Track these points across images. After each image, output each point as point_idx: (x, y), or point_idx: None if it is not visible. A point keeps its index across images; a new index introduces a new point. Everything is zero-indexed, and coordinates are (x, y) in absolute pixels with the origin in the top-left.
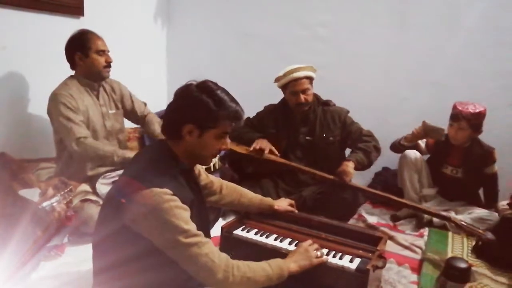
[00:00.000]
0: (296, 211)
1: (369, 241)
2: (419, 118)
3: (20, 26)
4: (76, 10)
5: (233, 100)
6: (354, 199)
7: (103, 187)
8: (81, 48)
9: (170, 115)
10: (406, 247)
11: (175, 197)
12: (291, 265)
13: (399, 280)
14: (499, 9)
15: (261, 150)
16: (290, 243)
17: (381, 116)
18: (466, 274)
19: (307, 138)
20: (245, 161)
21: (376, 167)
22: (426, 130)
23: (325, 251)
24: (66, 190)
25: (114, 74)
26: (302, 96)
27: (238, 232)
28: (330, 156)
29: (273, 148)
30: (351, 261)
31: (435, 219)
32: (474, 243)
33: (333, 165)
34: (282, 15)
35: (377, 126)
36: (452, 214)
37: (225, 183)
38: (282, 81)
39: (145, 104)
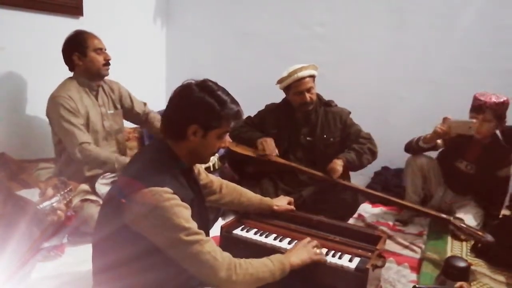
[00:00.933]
0: (294, 208)
1: (369, 240)
2: (417, 117)
3: (19, 26)
4: (75, 10)
5: (233, 100)
6: (353, 200)
7: (103, 187)
8: (78, 48)
9: (172, 115)
10: (405, 246)
11: (175, 196)
12: (292, 258)
13: (398, 279)
14: (496, 7)
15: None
16: (289, 243)
17: (379, 115)
18: (465, 273)
19: (308, 138)
20: (245, 161)
21: (376, 166)
22: (452, 127)
23: (324, 250)
24: (66, 190)
25: (114, 73)
26: (307, 95)
27: (238, 231)
28: (330, 157)
29: (276, 150)
30: (350, 260)
31: None
32: (473, 242)
33: None
34: (281, 15)
35: (375, 125)
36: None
37: (225, 182)
38: (287, 81)
39: (145, 104)
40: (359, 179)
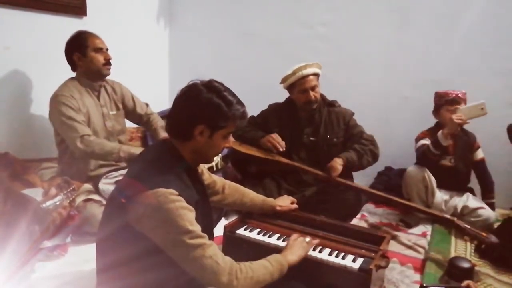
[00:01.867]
0: (297, 207)
1: (372, 240)
2: (420, 117)
3: (23, 26)
4: (79, 10)
5: (239, 100)
6: (357, 200)
7: (106, 186)
8: (78, 48)
9: (179, 115)
10: (409, 247)
11: (180, 198)
12: (289, 257)
13: (402, 279)
14: (499, 7)
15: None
16: None
17: (382, 115)
18: (469, 274)
19: (311, 138)
20: (248, 161)
21: (379, 166)
22: (466, 114)
23: (327, 250)
24: (69, 189)
25: (117, 73)
26: (311, 93)
27: (241, 231)
28: (333, 157)
29: (283, 143)
30: (354, 260)
31: None
32: (477, 243)
33: None
34: (283, 15)
35: (378, 125)
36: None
37: (228, 183)
38: (291, 79)
39: (147, 105)
40: (363, 179)
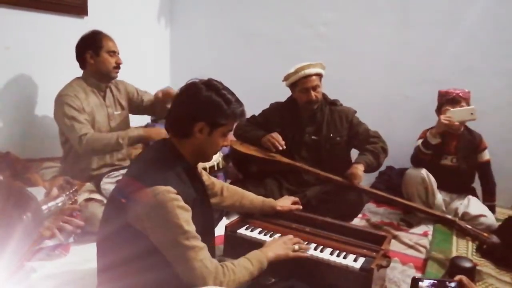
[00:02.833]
0: (301, 207)
1: (373, 240)
2: (421, 116)
3: (24, 26)
4: (80, 9)
5: (237, 99)
6: (358, 200)
7: (108, 185)
8: (93, 47)
9: (179, 113)
10: (410, 246)
11: (178, 196)
12: (269, 254)
13: (403, 279)
14: (501, 7)
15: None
16: None
17: (384, 114)
18: (470, 273)
19: (313, 137)
20: (249, 161)
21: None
22: (455, 116)
23: (329, 250)
24: (71, 190)
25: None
26: (313, 93)
27: (242, 231)
28: (335, 157)
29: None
30: (355, 260)
31: None
32: (478, 242)
33: (338, 165)
34: (284, 14)
35: (380, 124)
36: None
37: (226, 185)
38: (293, 78)
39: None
40: (364, 178)
